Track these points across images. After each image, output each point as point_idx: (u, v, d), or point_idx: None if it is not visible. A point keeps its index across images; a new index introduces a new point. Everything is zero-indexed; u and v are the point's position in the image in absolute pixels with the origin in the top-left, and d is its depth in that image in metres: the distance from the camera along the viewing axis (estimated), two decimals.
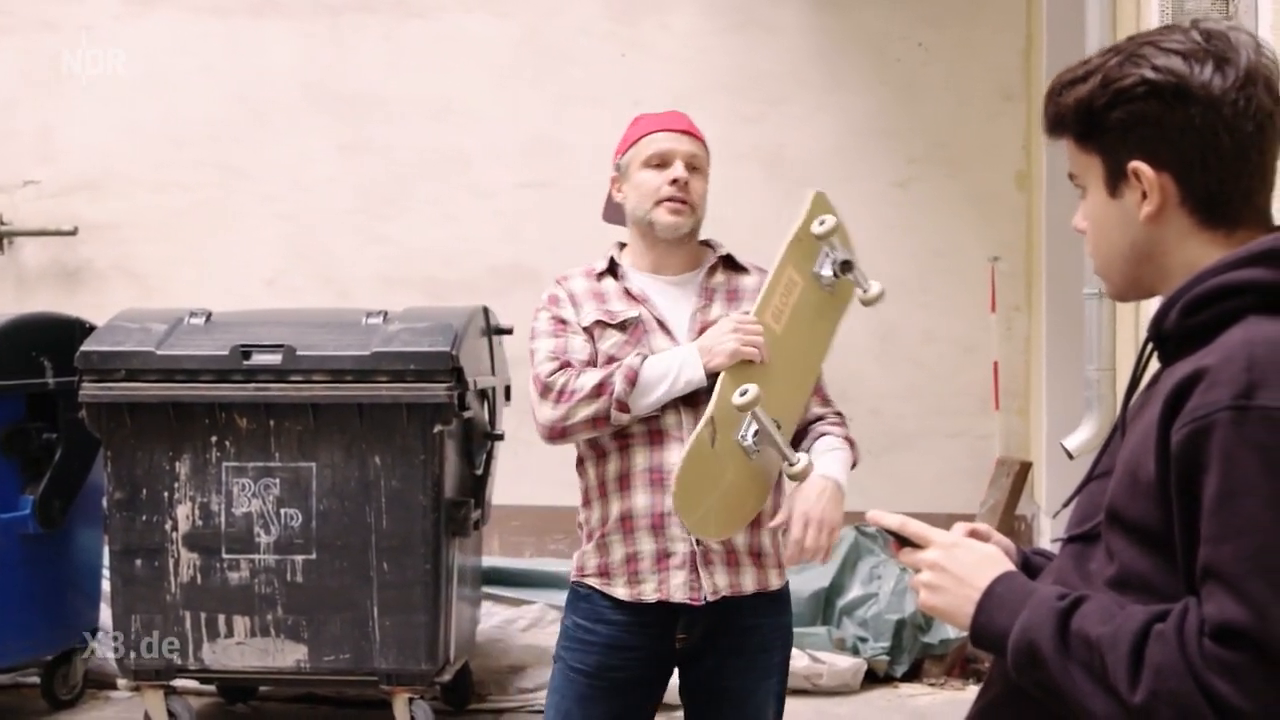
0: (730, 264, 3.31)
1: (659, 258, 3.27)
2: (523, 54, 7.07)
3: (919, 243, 6.88)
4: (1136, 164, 1.72)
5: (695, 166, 3.23)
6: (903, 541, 1.88)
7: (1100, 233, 1.79)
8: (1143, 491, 1.67)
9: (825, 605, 6.25)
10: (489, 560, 6.18)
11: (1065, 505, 1.94)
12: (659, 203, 3.21)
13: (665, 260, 3.27)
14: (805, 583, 6.18)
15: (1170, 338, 1.74)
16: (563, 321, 3.25)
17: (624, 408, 3.08)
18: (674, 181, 3.19)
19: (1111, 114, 1.72)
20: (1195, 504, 1.61)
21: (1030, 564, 1.92)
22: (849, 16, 6.95)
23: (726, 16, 7.00)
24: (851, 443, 3.33)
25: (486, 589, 6.04)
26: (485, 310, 5.58)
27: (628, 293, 3.26)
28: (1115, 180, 1.75)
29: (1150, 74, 1.71)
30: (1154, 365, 1.83)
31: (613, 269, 3.33)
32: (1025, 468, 6.57)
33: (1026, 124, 6.84)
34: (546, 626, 6.13)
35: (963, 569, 1.80)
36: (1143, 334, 1.80)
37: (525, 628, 6.14)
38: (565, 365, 3.16)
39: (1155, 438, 1.65)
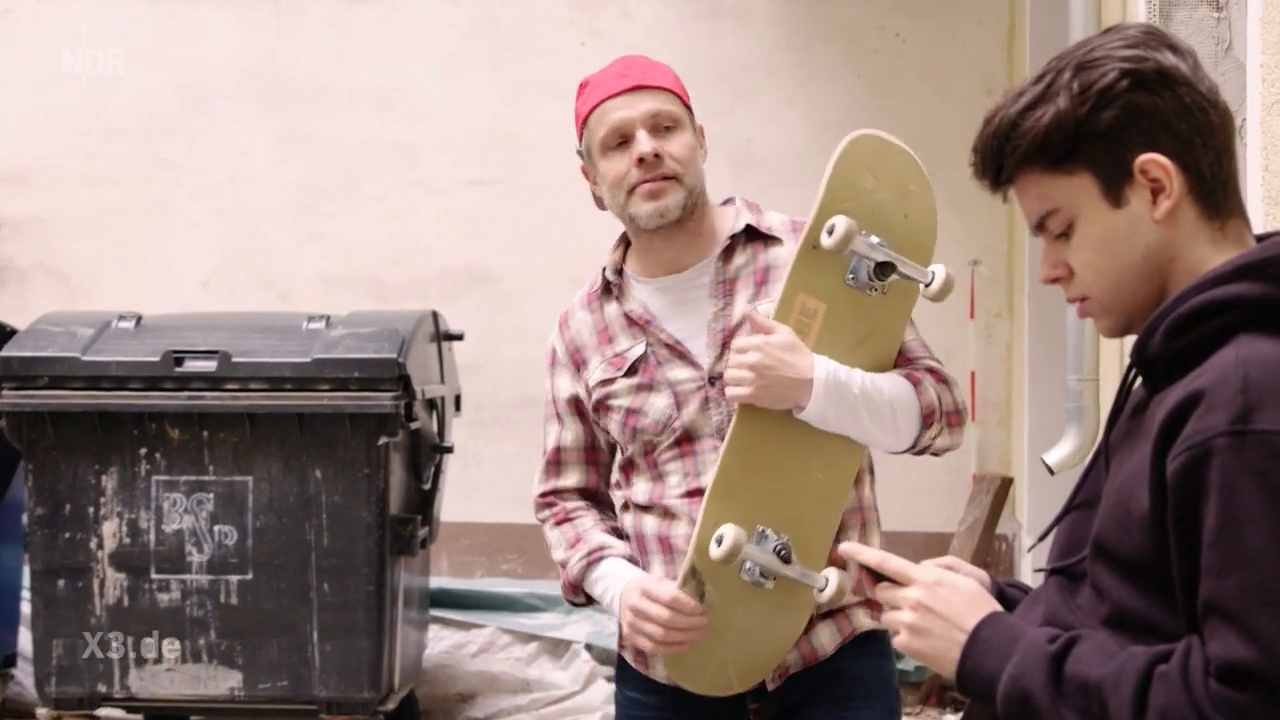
0: (753, 235, 2.78)
1: (659, 254, 2.77)
2: (476, 42, 7.04)
3: None
4: (1145, 157, 1.70)
5: (666, 125, 2.71)
6: (878, 577, 1.85)
7: (1105, 257, 1.75)
8: (1136, 525, 1.66)
9: None
10: (437, 581, 6.15)
11: (1043, 537, 1.92)
12: (631, 191, 2.71)
13: (666, 256, 2.77)
14: None
15: (1156, 362, 1.73)
16: (554, 401, 2.89)
17: (575, 591, 2.87)
18: (640, 161, 2.68)
19: (1101, 116, 1.71)
20: (1194, 536, 1.59)
21: (1005, 597, 1.91)
22: (822, 5, 6.95)
23: (693, 4, 6.99)
24: (939, 379, 2.71)
25: (434, 612, 6.02)
26: (435, 315, 5.55)
27: (628, 318, 2.80)
28: (1118, 186, 1.73)
29: (1126, 65, 1.71)
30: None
31: (609, 287, 2.85)
32: (1006, 484, 6.57)
33: None
34: (498, 652, 6.10)
35: (948, 609, 1.78)
36: (1126, 342, 1.79)
37: (475, 653, 6.11)
38: (553, 481, 2.90)
39: (1149, 467, 1.64)
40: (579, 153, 2.88)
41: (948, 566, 1.87)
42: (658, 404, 2.71)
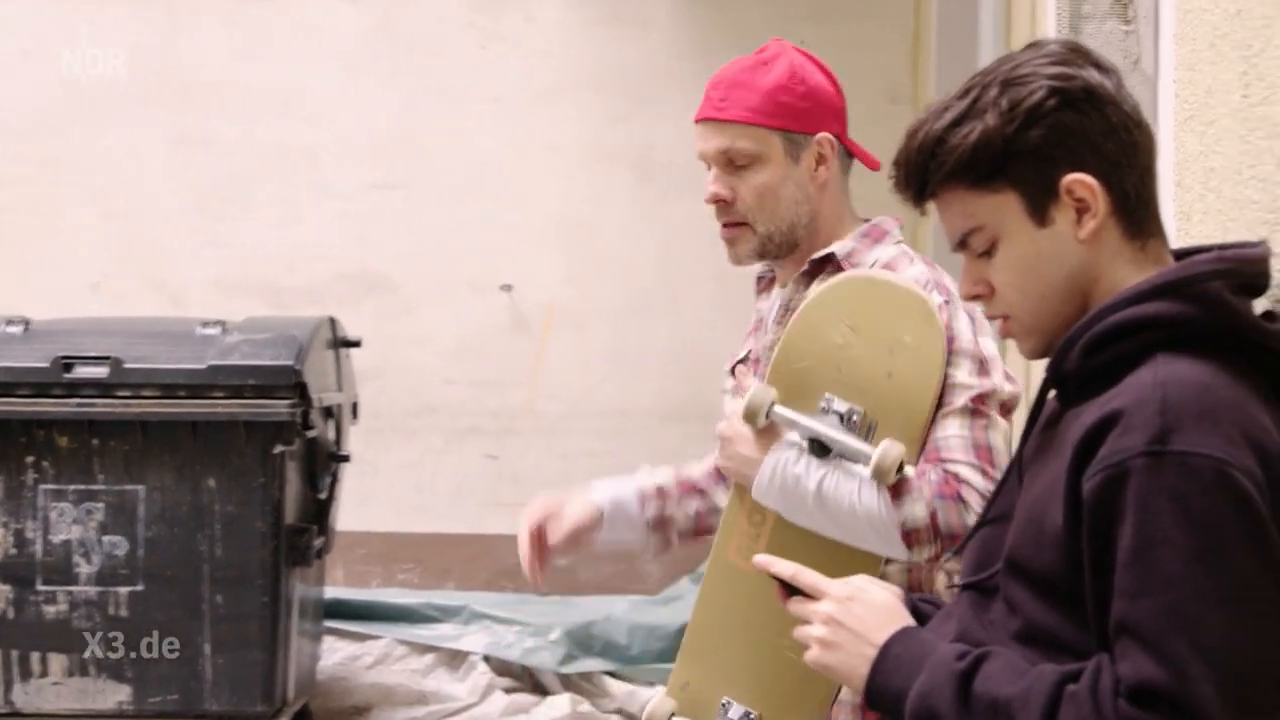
0: (828, 264, 2.55)
1: (782, 273, 2.65)
2: (375, 44, 6.97)
3: None
4: (1072, 177, 1.70)
5: (740, 164, 2.55)
6: (790, 590, 1.84)
7: (1028, 276, 1.75)
8: (1049, 542, 1.66)
9: None
10: (332, 591, 6.08)
11: (956, 551, 1.92)
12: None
13: (786, 273, 2.65)
14: (673, 615, 6.15)
15: (1071, 378, 1.72)
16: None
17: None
18: (710, 203, 2.58)
19: (1028, 135, 1.71)
20: (1109, 555, 1.59)
21: (918, 612, 1.90)
22: (725, 11, 6.94)
23: (595, 9, 6.95)
24: (949, 492, 2.29)
25: (329, 623, 5.94)
26: (332, 321, 5.50)
27: (756, 318, 2.72)
28: (1043, 206, 1.72)
29: (1054, 83, 1.71)
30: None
31: (759, 281, 2.75)
32: None
33: None
34: (394, 663, 6.03)
35: (859, 624, 1.77)
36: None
37: (371, 665, 6.04)
38: None
39: (1064, 485, 1.63)
40: None
41: (843, 580, 1.85)
42: (721, 426, 2.57)
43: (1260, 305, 1.72)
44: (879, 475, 2.25)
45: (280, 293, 6.91)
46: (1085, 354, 1.69)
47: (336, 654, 6.01)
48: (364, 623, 6.13)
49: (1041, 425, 1.81)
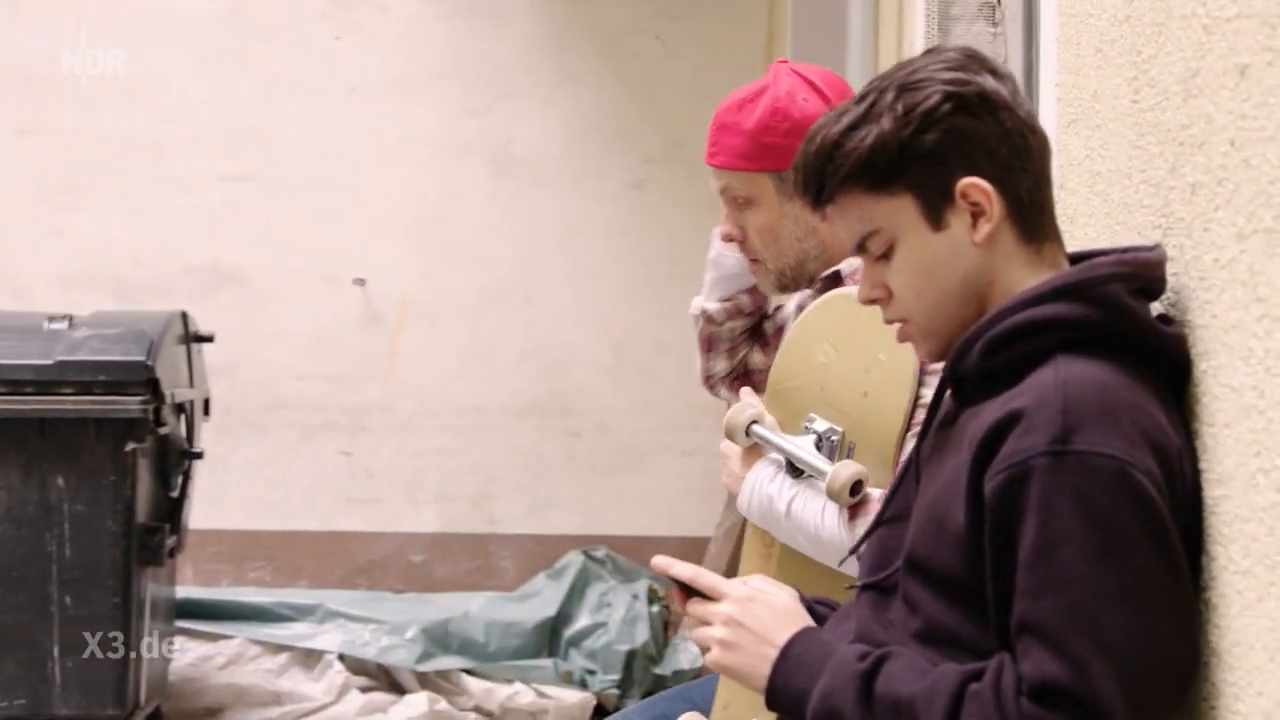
0: (837, 282, 2.51)
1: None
2: (226, 33, 6.85)
3: (654, 248, 6.89)
4: (966, 181, 1.71)
5: (739, 200, 2.53)
6: (689, 592, 1.83)
7: (925, 280, 1.76)
8: (950, 541, 1.67)
9: (551, 636, 6.20)
10: (182, 591, 5.98)
11: (853, 551, 1.92)
12: None
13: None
14: (530, 612, 6.14)
15: (968, 378, 1.74)
16: None
17: None
18: (724, 239, 2.58)
19: (923, 139, 1.72)
20: (1010, 555, 1.61)
21: (815, 614, 1.90)
22: (582, 5, 6.93)
23: (450, 1, 6.91)
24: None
25: (180, 623, 5.84)
26: (184, 315, 5.39)
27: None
28: (938, 209, 1.73)
29: (950, 88, 1.72)
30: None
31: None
32: None
33: None
34: (247, 664, 5.94)
35: (760, 625, 1.77)
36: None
37: (223, 665, 5.94)
38: None
39: (965, 485, 1.65)
40: None
41: (742, 581, 1.86)
42: (723, 444, 2.55)
43: (1155, 309, 1.74)
44: (831, 495, 2.24)
45: (127, 287, 6.77)
46: (984, 354, 1.70)
47: (188, 654, 5.90)
48: (216, 622, 6.03)
49: (937, 425, 1.82)
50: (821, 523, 2.28)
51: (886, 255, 1.77)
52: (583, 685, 6.10)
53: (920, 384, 2.22)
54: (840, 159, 1.75)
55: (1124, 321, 1.67)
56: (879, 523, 1.85)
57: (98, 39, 6.86)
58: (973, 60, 1.77)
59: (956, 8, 3.27)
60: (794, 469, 2.33)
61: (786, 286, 2.54)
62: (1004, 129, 1.73)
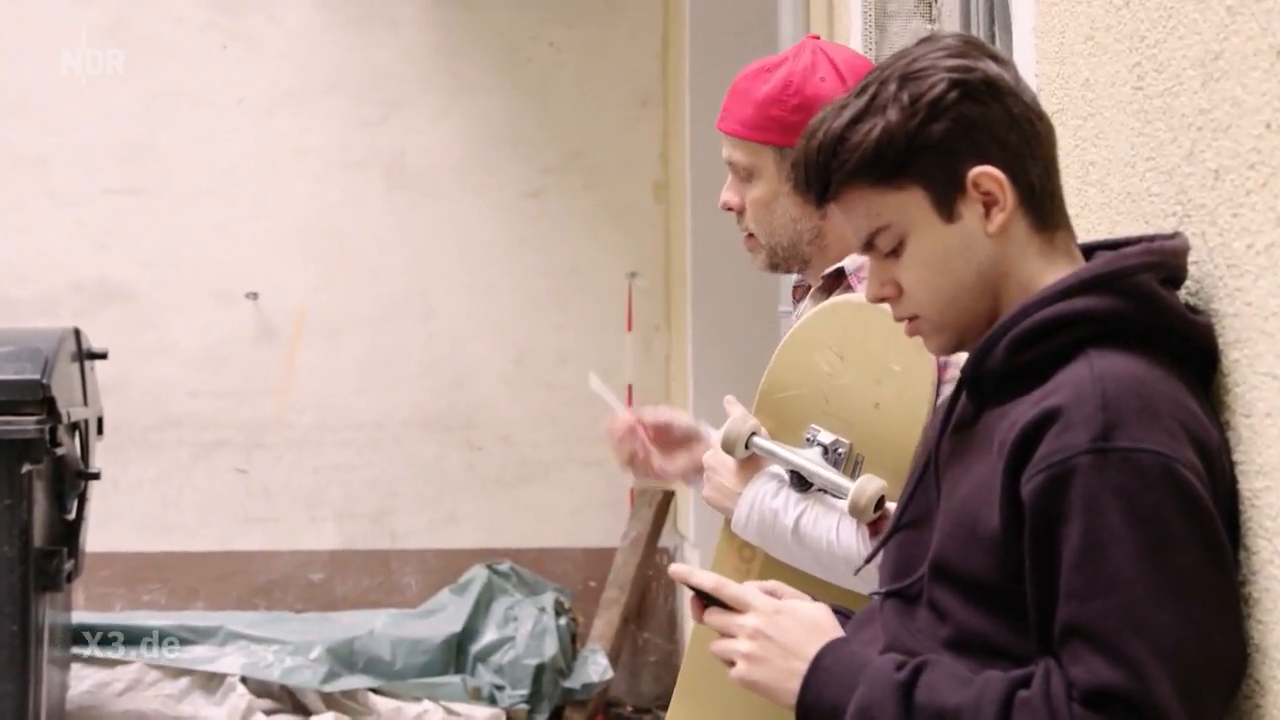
0: (841, 280, 2.44)
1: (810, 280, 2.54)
2: (109, 43, 6.68)
3: (553, 258, 6.83)
4: (978, 170, 1.65)
5: (741, 170, 2.44)
6: (708, 602, 1.74)
7: (938, 273, 1.69)
8: (982, 546, 1.60)
9: (458, 652, 6.11)
10: (77, 616, 5.80)
11: (870, 559, 1.85)
12: None
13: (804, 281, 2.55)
14: (435, 628, 6.04)
15: (990, 376, 1.67)
16: None
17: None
18: (721, 205, 2.50)
19: (932, 129, 1.65)
20: (1053, 557, 1.54)
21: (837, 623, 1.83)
22: (475, 12, 6.84)
23: (342, 10, 6.79)
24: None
25: (76, 649, 5.66)
26: (77, 332, 5.28)
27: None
28: (950, 200, 1.67)
29: (954, 75, 1.66)
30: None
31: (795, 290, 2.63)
32: (667, 497, 6.58)
33: (663, 131, 6.88)
34: (146, 689, 5.78)
35: (787, 638, 1.68)
36: None
37: (122, 691, 5.77)
38: None
39: (999, 487, 1.58)
40: None
41: (769, 591, 1.78)
42: (707, 455, 2.42)
43: (1180, 298, 1.69)
44: (855, 512, 2.13)
45: (11, 304, 6.58)
46: (1011, 352, 1.64)
47: (85, 681, 5.73)
48: (112, 648, 5.83)
49: (954, 427, 1.75)
50: (836, 539, 2.19)
51: (896, 251, 1.70)
52: (492, 701, 6.01)
53: (938, 395, 2.14)
54: (845, 154, 1.68)
55: (1156, 313, 1.62)
56: (896, 528, 1.78)
57: None
58: (972, 46, 1.71)
59: (894, 4, 3.22)
60: (800, 483, 2.23)
61: (778, 266, 2.45)
62: (1011, 115, 1.67)
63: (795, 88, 2.37)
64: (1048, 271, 1.68)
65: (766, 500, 2.25)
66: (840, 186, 1.70)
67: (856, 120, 1.69)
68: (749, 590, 1.73)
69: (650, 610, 6.64)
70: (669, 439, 2.51)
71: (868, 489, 2.11)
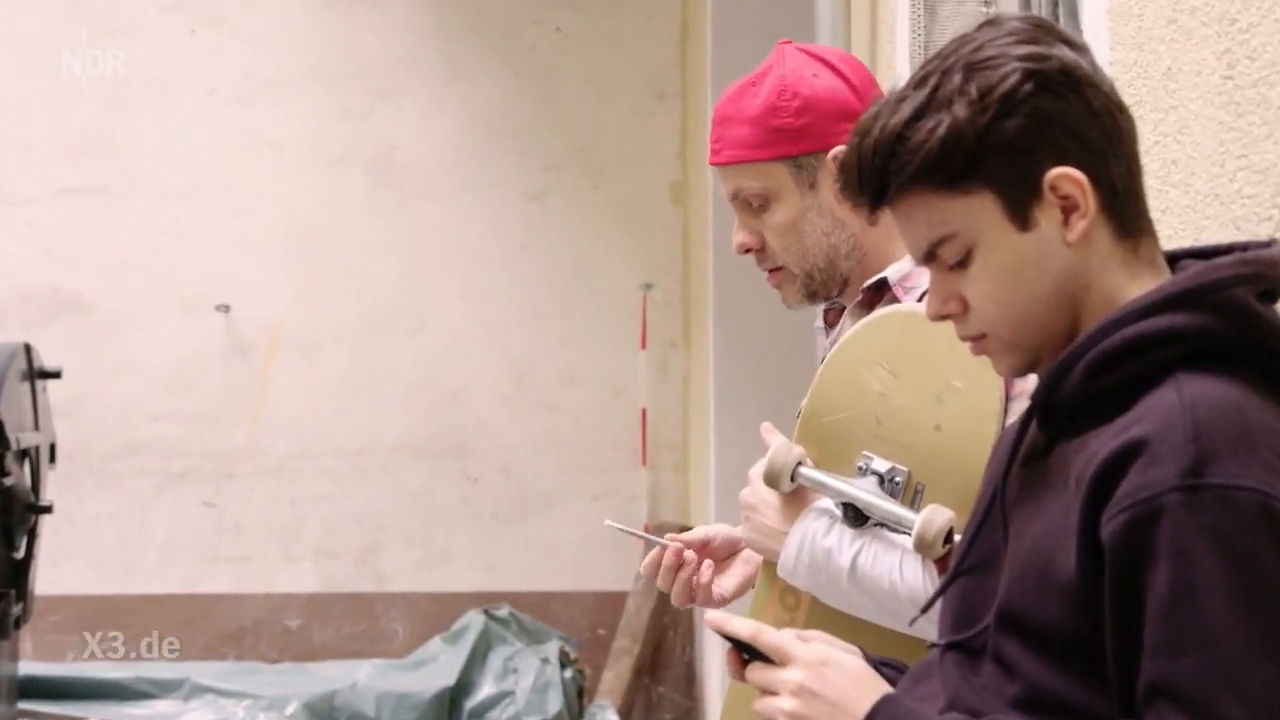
0: (885, 292, 2.44)
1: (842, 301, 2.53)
2: (64, 27, 6.72)
3: (557, 266, 6.83)
4: (1056, 172, 1.63)
5: (754, 202, 2.42)
6: (748, 653, 1.73)
7: (1011, 287, 1.67)
8: (1056, 593, 1.59)
9: (451, 708, 6.14)
10: (24, 667, 5.81)
11: (926, 608, 1.84)
12: None
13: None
14: (426, 681, 6.06)
15: (1065, 403, 1.66)
16: None
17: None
18: (739, 250, 2.47)
19: (1004, 126, 1.63)
20: (1136, 606, 1.53)
21: (883, 676, 1.81)
22: None
23: None
24: None
25: (23, 704, 5.67)
26: (27, 348, 5.28)
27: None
28: (1025, 206, 1.65)
29: (1028, 65, 1.64)
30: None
31: (827, 314, 2.60)
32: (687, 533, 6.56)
33: (682, 127, 6.88)
34: None
35: (836, 693, 1.67)
36: None
37: None
38: None
39: (1076, 527, 1.57)
40: None
41: (806, 639, 1.76)
42: (744, 493, 2.41)
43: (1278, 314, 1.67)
44: (922, 547, 2.10)
45: None
46: (1089, 375, 1.62)
47: None
48: (64, 702, 5.90)
49: (1023, 459, 1.74)
50: (900, 578, 2.16)
51: (963, 263, 1.68)
52: None
53: (1008, 412, 2.13)
54: (905, 155, 1.65)
55: (1252, 331, 1.60)
56: (958, 572, 1.77)
57: None
58: (1044, 31, 1.69)
59: None
60: (855, 518, 2.21)
61: (816, 294, 2.43)
62: (1092, 109, 1.65)
63: (791, 90, 2.36)
64: (1132, 284, 1.66)
65: (818, 539, 2.23)
66: (899, 192, 1.68)
67: (918, 116, 1.66)
68: (790, 639, 1.72)
69: (666, 662, 6.63)
70: (714, 556, 2.50)
71: (936, 520, 2.09)
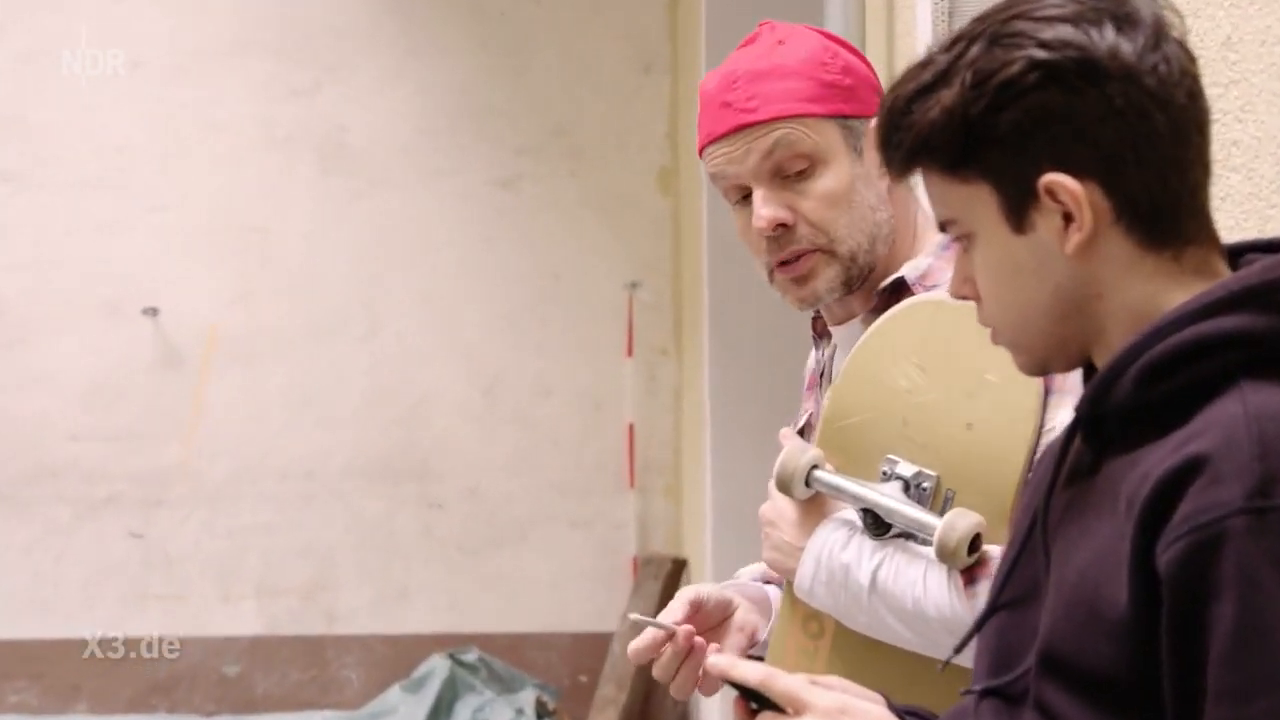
0: (901, 294, 2.45)
1: (838, 308, 2.50)
2: None
3: (531, 262, 6.87)
4: (1051, 178, 1.65)
5: (790, 170, 2.39)
6: (757, 701, 1.75)
7: (1006, 288, 1.71)
8: (1106, 630, 1.60)
9: None
10: None
11: (960, 648, 1.86)
12: (771, 272, 2.45)
13: (846, 307, 2.51)
14: None
15: (1114, 415, 1.67)
16: None
17: None
18: (766, 234, 2.40)
19: (1000, 118, 1.66)
20: (1198, 645, 1.54)
21: None
22: None
23: None
24: None
25: None
26: None
27: (817, 370, 2.58)
28: (1020, 209, 1.68)
29: (1040, 53, 1.66)
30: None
31: (815, 322, 2.59)
32: (679, 567, 6.60)
33: (671, 105, 6.91)
34: None
35: None
36: None
37: None
38: None
39: (1128, 556, 1.58)
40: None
41: (825, 686, 1.78)
42: (763, 507, 2.42)
43: None
44: (944, 555, 2.12)
45: None
46: (1141, 383, 1.63)
47: None
48: None
49: (1067, 476, 1.75)
50: (924, 593, 2.17)
51: (968, 248, 1.73)
52: None
53: (1047, 405, 2.15)
54: (904, 130, 1.71)
55: None
56: (994, 608, 1.78)
57: None
58: (1090, 9, 1.69)
59: None
60: (877, 526, 2.22)
61: (853, 281, 2.40)
62: (1110, 107, 1.66)
63: (831, 50, 2.40)
64: (1172, 292, 1.67)
65: (835, 553, 2.25)
66: (904, 166, 1.73)
67: (925, 90, 1.70)
68: (804, 685, 1.73)
69: (657, 712, 6.64)
70: (707, 622, 2.48)
71: (959, 525, 2.11)
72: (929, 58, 1.73)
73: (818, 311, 2.53)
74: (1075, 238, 1.66)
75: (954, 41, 1.72)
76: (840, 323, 2.49)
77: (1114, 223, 1.67)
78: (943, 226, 1.76)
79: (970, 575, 2.12)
